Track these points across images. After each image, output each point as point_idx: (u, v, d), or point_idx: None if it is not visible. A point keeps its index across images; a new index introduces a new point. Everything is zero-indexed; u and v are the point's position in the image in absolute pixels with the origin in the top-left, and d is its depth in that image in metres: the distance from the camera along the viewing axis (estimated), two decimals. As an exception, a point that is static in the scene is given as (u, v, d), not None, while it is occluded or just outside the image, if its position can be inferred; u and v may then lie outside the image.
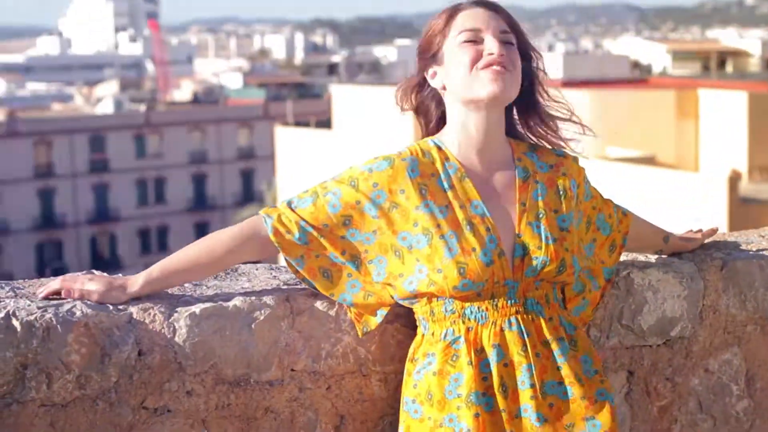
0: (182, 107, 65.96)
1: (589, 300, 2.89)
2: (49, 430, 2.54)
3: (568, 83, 40.50)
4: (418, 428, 2.63)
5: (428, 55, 2.76)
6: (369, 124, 37.49)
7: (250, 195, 58.14)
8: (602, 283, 2.93)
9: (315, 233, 2.67)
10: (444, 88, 2.74)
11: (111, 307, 2.61)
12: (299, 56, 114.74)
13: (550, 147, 2.84)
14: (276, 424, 2.75)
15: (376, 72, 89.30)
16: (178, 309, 2.64)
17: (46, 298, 2.64)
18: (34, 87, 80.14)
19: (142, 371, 2.61)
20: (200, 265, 2.70)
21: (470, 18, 2.72)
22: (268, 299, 2.72)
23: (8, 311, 2.51)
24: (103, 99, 67.64)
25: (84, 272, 2.74)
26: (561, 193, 2.76)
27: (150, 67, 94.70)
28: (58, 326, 2.52)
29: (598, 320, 3.05)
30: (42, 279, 2.83)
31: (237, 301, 2.69)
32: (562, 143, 2.84)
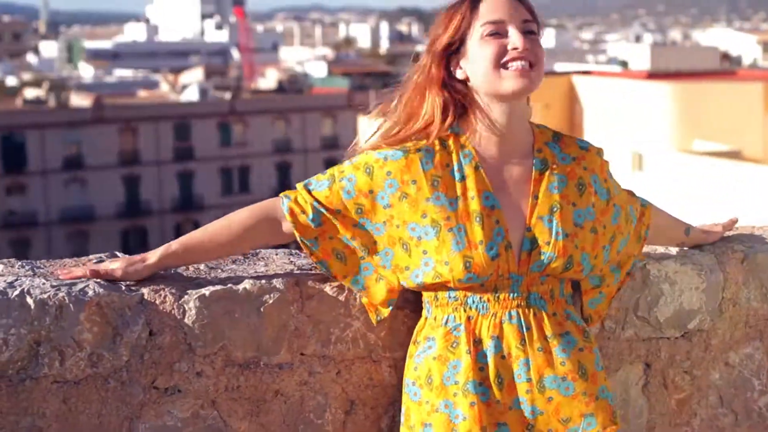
0: (267, 95, 66.41)
1: (606, 293, 2.88)
2: (61, 406, 2.62)
3: (654, 75, 40.02)
4: (417, 411, 2.67)
5: (451, 48, 2.70)
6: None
7: (334, 183, 58.29)
8: (623, 277, 2.92)
9: (329, 215, 2.71)
10: (467, 80, 2.71)
11: (123, 287, 2.68)
12: (384, 45, 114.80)
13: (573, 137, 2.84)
14: (286, 407, 2.79)
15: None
16: (189, 291, 2.70)
17: (70, 279, 2.69)
18: (121, 73, 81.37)
19: (153, 351, 2.67)
20: (217, 242, 2.73)
21: (493, 9, 2.66)
22: (277, 283, 2.77)
23: (23, 289, 2.59)
24: (189, 86, 68.37)
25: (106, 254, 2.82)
26: (581, 187, 2.73)
27: (236, 54, 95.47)
28: (71, 305, 2.59)
29: (613, 311, 3.05)
30: (65, 260, 2.91)
31: (247, 285, 2.74)
32: None
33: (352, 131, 49.04)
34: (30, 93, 64.68)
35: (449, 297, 2.66)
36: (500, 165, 2.70)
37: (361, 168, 2.71)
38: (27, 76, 76.60)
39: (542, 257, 2.64)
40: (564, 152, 2.76)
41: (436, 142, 2.70)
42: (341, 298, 2.81)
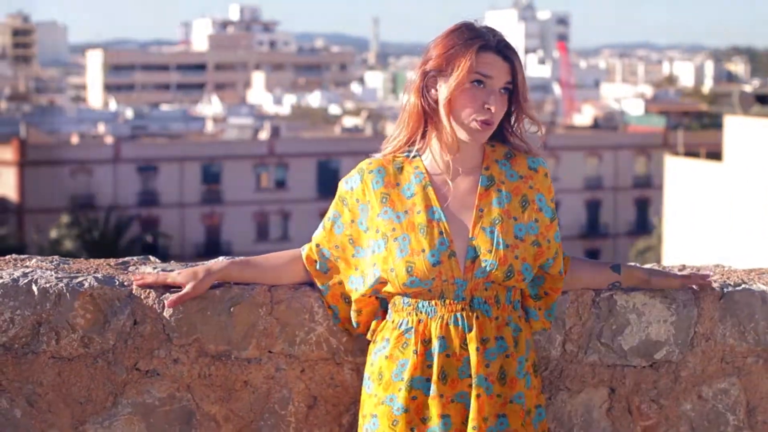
0: (580, 132, 66.33)
1: (540, 316, 3.09)
2: (56, 378, 3.12)
3: None
4: (367, 402, 3.01)
5: (443, 71, 2.95)
6: (763, 158, 36.31)
7: (643, 226, 57.49)
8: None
9: (331, 258, 3.09)
10: (437, 102, 2.97)
11: (116, 282, 3.14)
12: (708, 84, 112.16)
13: (525, 154, 3.06)
14: (254, 397, 3.18)
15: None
16: (172, 289, 3.14)
17: (141, 286, 3.16)
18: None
19: (136, 338, 3.13)
20: (267, 266, 3.18)
21: (488, 64, 2.95)
22: (249, 289, 3.17)
23: (31, 279, 3.11)
24: (502, 120, 69.25)
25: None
26: (524, 203, 3.01)
27: (556, 89, 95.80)
28: (67, 294, 3.09)
29: (576, 336, 3.24)
30: (98, 260, 3.40)
31: (221, 288, 3.15)
32: (533, 148, 3.07)
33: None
34: (349, 121, 67.54)
35: (404, 303, 2.99)
36: (449, 181, 2.99)
37: (340, 203, 3.08)
38: (349, 105, 79.91)
39: (484, 265, 2.93)
40: (513, 170, 3.04)
41: (391, 161, 3.03)
42: (306, 305, 3.17)
